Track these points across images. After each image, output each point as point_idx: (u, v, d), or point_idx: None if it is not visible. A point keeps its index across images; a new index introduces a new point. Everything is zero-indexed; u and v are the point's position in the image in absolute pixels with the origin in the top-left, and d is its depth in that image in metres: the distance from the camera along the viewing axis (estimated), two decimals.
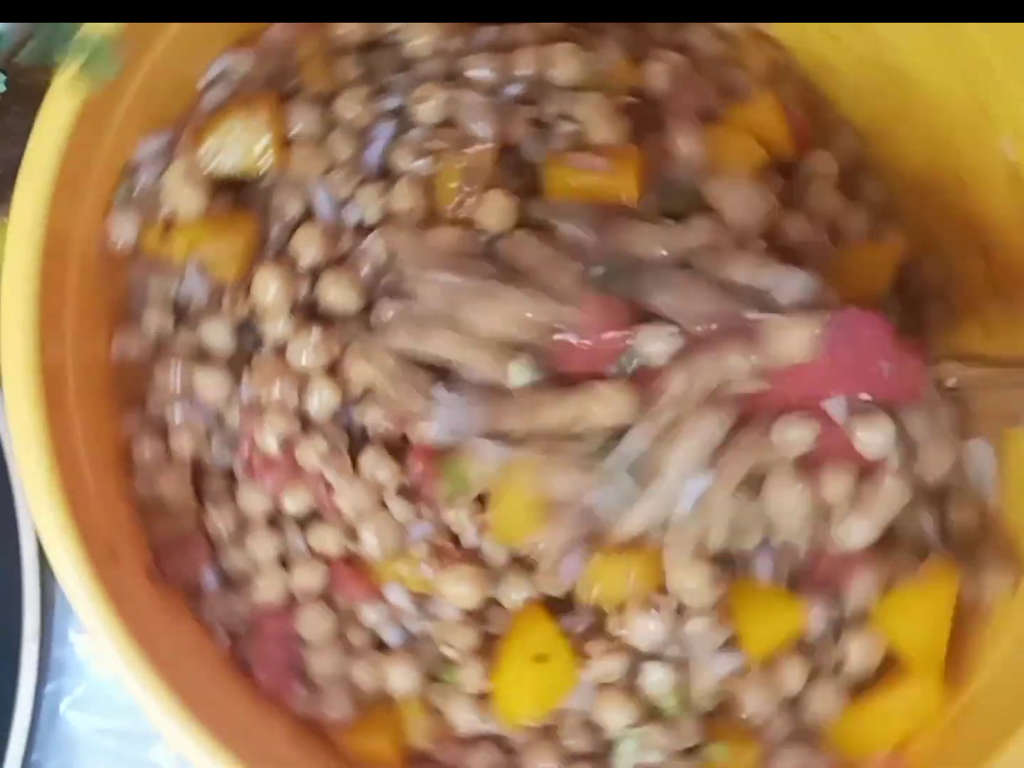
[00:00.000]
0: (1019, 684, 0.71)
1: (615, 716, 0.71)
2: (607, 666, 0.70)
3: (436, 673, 0.73)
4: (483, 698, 0.72)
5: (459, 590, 0.70)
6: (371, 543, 0.70)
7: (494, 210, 0.70)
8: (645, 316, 0.61)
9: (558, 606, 0.72)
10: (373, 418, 0.71)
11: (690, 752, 0.72)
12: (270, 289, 0.69)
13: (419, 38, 0.73)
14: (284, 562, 0.73)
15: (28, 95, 0.67)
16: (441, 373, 0.65)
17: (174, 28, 0.69)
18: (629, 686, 0.71)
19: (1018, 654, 0.72)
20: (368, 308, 0.71)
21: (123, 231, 0.71)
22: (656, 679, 0.70)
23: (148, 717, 0.64)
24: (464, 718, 0.72)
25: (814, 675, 0.74)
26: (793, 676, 0.72)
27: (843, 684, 0.73)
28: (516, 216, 0.71)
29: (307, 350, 0.70)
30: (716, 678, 0.72)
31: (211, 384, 0.71)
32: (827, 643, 0.73)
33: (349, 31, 0.74)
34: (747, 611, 0.72)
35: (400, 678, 0.71)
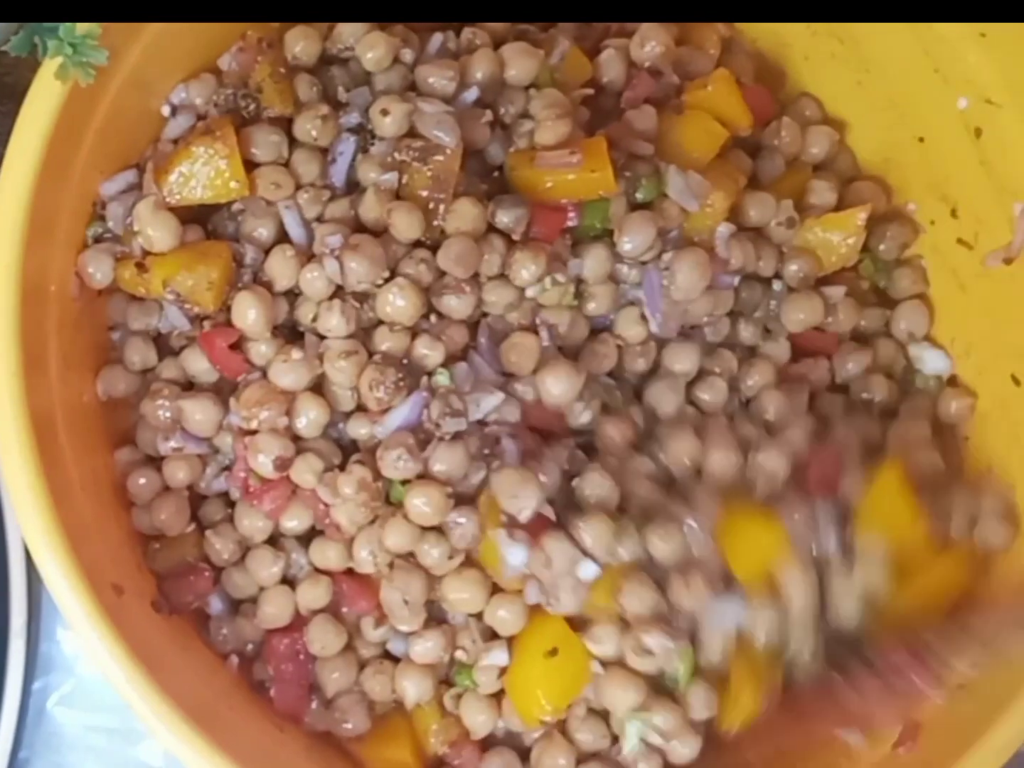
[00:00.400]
0: None
1: (619, 696, 0.71)
2: (600, 634, 0.71)
3: (449, 678, 0.74)
4: (498, 699, 0.73)
5: (464, 595, 0.70)
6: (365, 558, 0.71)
7: (465, 218, 0.71)
8: None
9: None
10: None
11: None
12: (249, 315, 0.70)
13: (373, 51, 0.74)
14: (288, 580, 0.73)
15: (12, 93, 0.68)
16: None
17: (131, 59, 0.70)
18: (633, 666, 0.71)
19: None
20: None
21: (98, 268, 0.71)
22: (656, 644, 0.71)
23: (164, 745, 0.65)
24: (479, 720, 0.72)
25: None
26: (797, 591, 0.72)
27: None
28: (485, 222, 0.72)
29: (290, 371, 0.70)
30: (725, 634, 0.72)
31: (199, 412, 0.71)
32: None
33: (303, 49, 0.74)
34: (729, 540, 0.72)
35: (412, 687, 0.72)
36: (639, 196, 0.75)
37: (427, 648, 0.71)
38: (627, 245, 0.73)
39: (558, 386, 0.72)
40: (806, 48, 0.85)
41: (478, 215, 0.71)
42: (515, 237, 0.72)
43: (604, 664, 0.72)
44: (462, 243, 0.70)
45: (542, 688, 0.71)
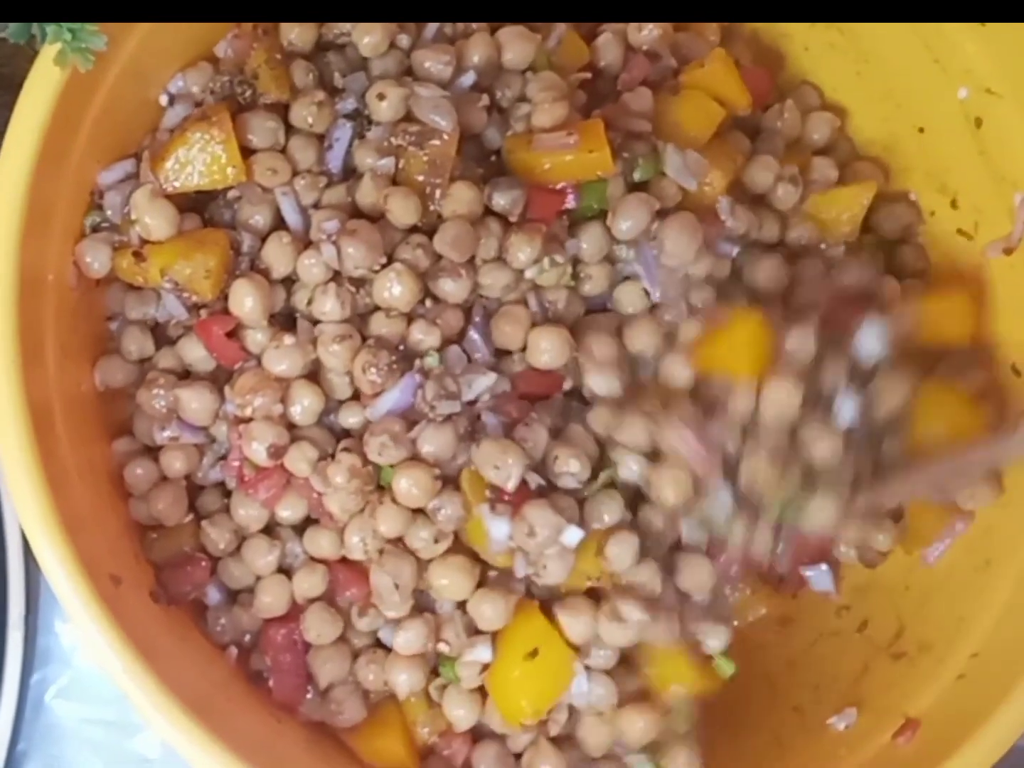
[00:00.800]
0: (1021, 632, 0.72)
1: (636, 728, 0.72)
2: (573, 603, 0.71)
3: (437, 667, 0.73)
4: (481, 693, 0.72)
5: (448, 580, 0.70)
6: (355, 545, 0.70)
7: (462, 202, 0.71)
8: None
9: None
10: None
11: None
12: (246, 302, 0.70)
13: (369, 36, 0.73)
14: (284, 570, 0.73)
15: (9, 84, 0.67)
16: None
17: (127, 52, 0.69)
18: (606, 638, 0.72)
19: (1016, 603, 0.73)
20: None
21: (96, 258, 0.71)
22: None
23: (161, 736, 0.65)
24: (460, 714, 0.72)
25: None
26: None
27: None
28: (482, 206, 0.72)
29: (283, 357, 0.70)
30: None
31: (195, 401, 0.71)
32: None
33: (299, 36, 0.74)
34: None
35: (405, 678, 0.71)
36: (636, 176, 0.75)
37: (409, 638, 0.71)
38: (623, 226, 0.73)
39: (549, 350, 0.71)
40: (805, 38, 0.85)
41: (474, 198, 0.71)
42: (512, 219, 0.72)
43: (587, 667, 0.72)
44: (458, 226, 0.70)
45: (523, 691, 0.71)
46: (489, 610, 0.70)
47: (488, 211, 0.72)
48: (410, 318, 0.71)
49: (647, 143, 0.75)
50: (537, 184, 0.73)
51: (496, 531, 0.69)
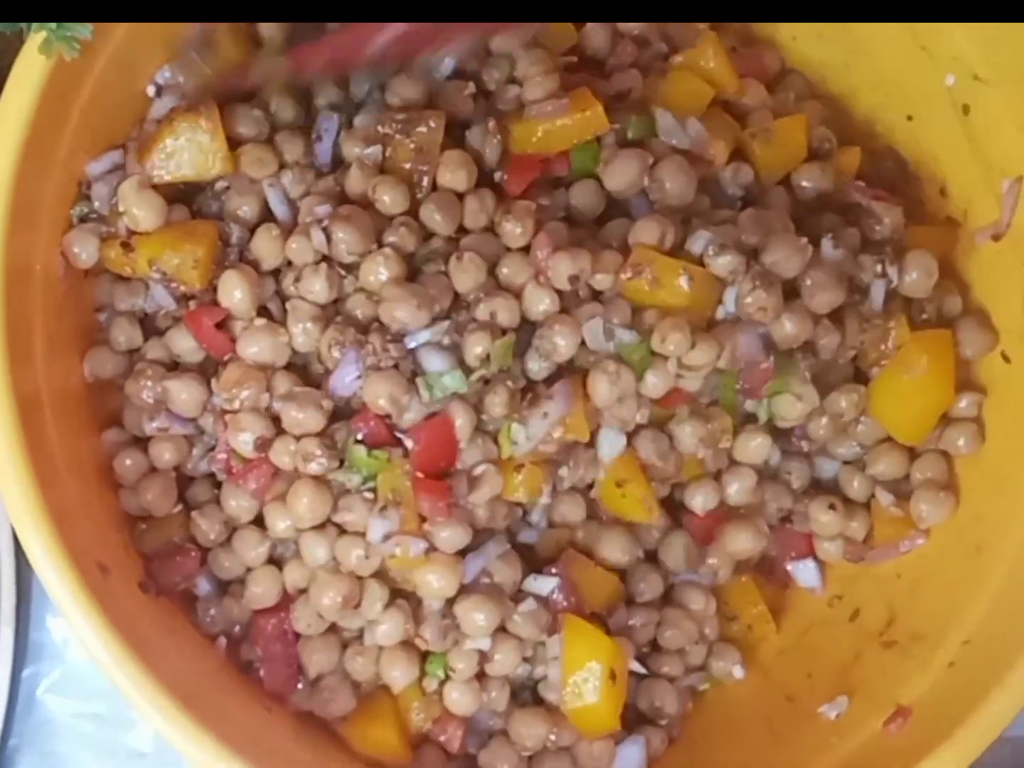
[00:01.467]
0: (1012, 619, 0.72)
1: None
2: None
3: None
4: (478, 680, 0.72)
5: (435, 579, 0.70)
6: None
7: (456, 169, 0.71)
8: None
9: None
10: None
11: None
12: (235, 294, 0.70)
13: None
14: (275, 560, 0.73)
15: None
16: None
17: (113, 42, 0.69)
18: None
19: (1006, 591, 0.73)
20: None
21: (83, 248, 0.71)
22: None
23: (152, 726, 0.64)
24: (463, 703, 0.72)
25: None
26: None
27: None
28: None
29: (253, 341, 0.70)
30: None
31: (184, 392, 0.71)
32: None
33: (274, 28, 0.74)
34: None
35: (400, 673, 0.72)
36: (630, 134, 0.75)
37: (388, 630, 0.71)
38: (613, 180, 0.74)
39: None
40: (793, 28, 0.85)
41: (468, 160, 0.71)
42: (490, 156, 0.73)
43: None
44: (443, 197, 0.70)
45: (613, 709, 0.72)
46: (481, 618, 0.70)
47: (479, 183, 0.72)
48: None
49: (638, 107, 0.76)
50: (530, 155, 0.73)
51: (375, 532, 0.68)
